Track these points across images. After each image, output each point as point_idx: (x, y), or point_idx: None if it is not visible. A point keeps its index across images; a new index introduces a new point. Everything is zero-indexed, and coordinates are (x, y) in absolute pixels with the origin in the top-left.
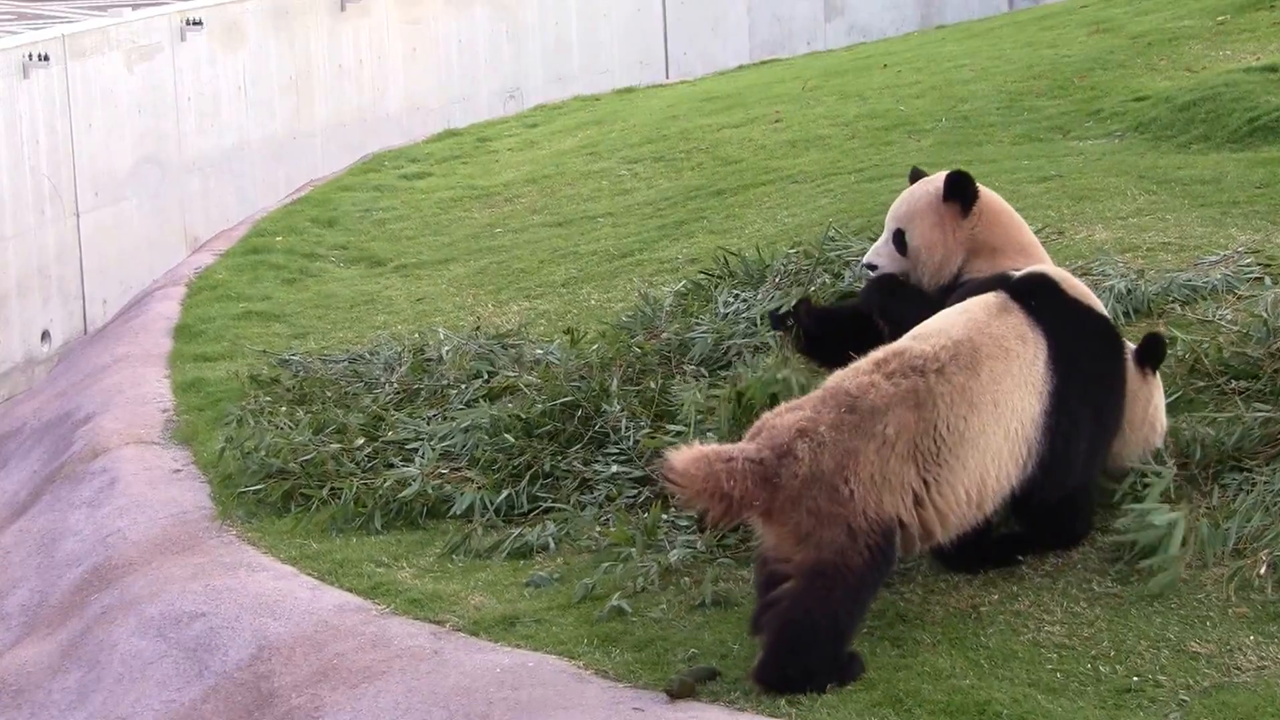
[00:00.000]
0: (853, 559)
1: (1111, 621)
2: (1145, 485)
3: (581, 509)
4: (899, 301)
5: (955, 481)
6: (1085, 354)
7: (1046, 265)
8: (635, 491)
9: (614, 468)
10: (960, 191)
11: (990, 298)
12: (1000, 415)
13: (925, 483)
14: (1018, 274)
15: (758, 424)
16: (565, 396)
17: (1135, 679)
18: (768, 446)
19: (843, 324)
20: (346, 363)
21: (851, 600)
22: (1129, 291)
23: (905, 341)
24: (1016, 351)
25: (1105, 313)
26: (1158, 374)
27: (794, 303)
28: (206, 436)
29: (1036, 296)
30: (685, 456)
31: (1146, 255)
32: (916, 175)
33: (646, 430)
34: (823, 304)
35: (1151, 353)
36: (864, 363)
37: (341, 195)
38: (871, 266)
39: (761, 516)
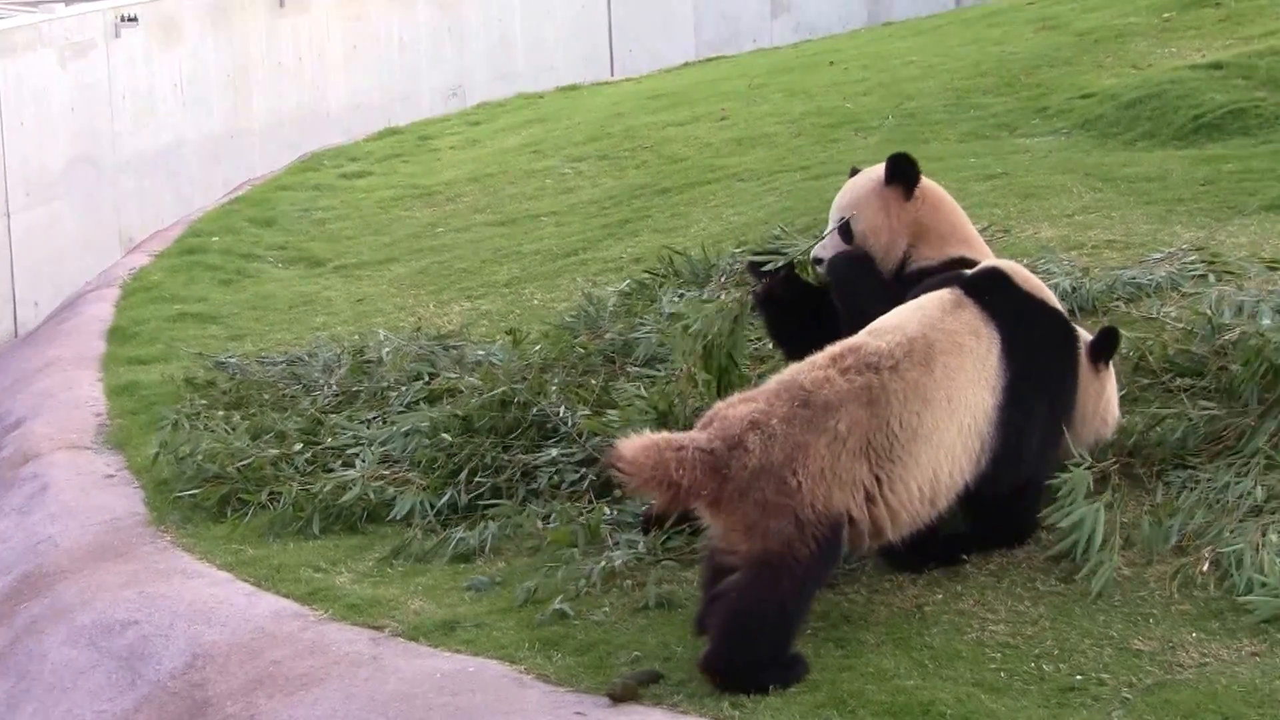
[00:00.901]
0: (800, 551)
1: (1055, 620)
2: (1068, 484)
3: (524, 501)
4: (862, 285)
5: (908, 478)
6: (1037, 349)
7: (1001, 259)
8: (577, 475)
9: (554, 452)
10: (903, 173)
11: (945, 293)
12: (954, 411)
13: (877, 479)
14: (972, 270)
15: (709, 413)
16: (503, 388)
17: (1079, 677)
18: (719, 437)
19: (808, 300)
20: (284, 365)
21: (798, 591)
22: (1074, 289)
23: (861, 337)
24: (970, 347)
25: (1058, 306)
26: (1111, 367)
27: (781, 264)
28: (140, 441)
29: (990, 291)
30: (634, 444)
31: (1092, 253)
32: (855, 173)
33: (586, 414)
34: (803, 278)
35: (1105, 346)
36: (819, 358)
37: (280, 195)
38: (819, 260)
39: (709, 507)
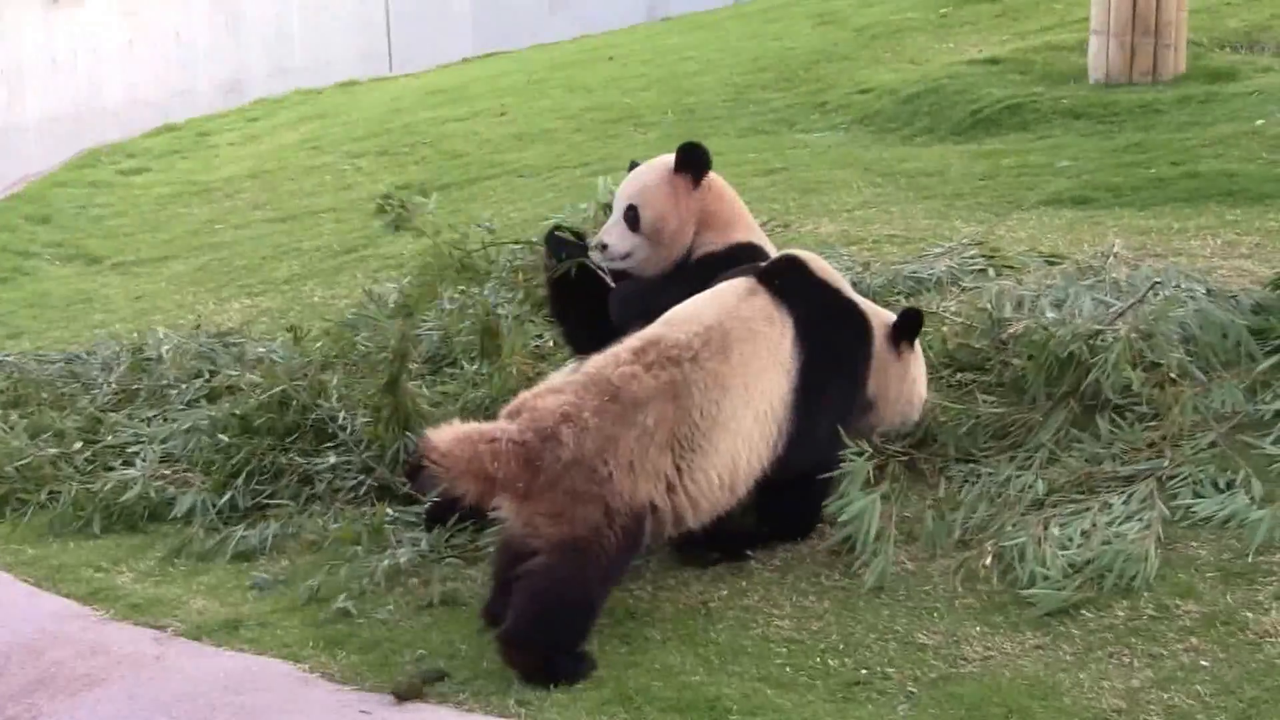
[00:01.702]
0: (606, 539)
1: (840, 615)
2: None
3: (305, 504)
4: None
5: (708, 466)
6: (828, 334)
7: (796, 248)
8: (357, 481)
9: (333, 458)
10: (693, 161)
11: (739, 282)
12: (750, 398)
13: (679, 469)
14: (769, 259)
15: (516, 403)
16: (282, 387)
17: (864, 672)
18: (530, 429)
19: (597, 286)
20: (62, 363)
21: (601, 577)
22: (855, 284)
23: (659, 329)
24: (764, 333)
25: (850, 293)
26: (916, 348)
27: (574, 249)
28: None
29: (783, 279)
30: (448, 436)
31: (872, 248)
32: (635, 166)
33: (366, 420)
34: (592, 264)
35: (907, 328)
36: (622, 352)
37: (56, 191)
38: (603, 246)
39: (517, 498)
